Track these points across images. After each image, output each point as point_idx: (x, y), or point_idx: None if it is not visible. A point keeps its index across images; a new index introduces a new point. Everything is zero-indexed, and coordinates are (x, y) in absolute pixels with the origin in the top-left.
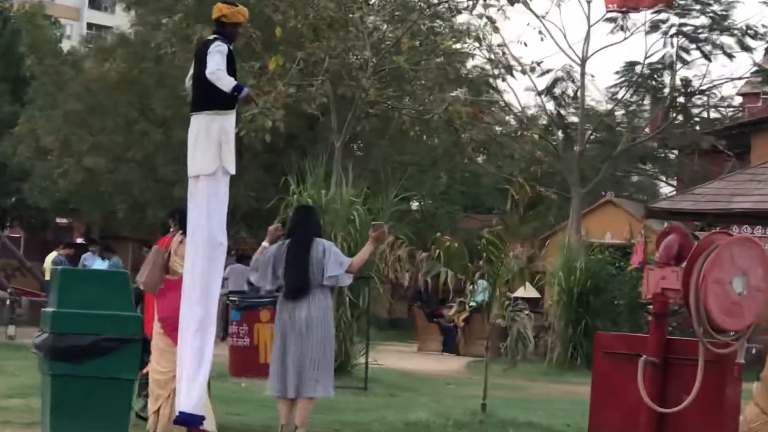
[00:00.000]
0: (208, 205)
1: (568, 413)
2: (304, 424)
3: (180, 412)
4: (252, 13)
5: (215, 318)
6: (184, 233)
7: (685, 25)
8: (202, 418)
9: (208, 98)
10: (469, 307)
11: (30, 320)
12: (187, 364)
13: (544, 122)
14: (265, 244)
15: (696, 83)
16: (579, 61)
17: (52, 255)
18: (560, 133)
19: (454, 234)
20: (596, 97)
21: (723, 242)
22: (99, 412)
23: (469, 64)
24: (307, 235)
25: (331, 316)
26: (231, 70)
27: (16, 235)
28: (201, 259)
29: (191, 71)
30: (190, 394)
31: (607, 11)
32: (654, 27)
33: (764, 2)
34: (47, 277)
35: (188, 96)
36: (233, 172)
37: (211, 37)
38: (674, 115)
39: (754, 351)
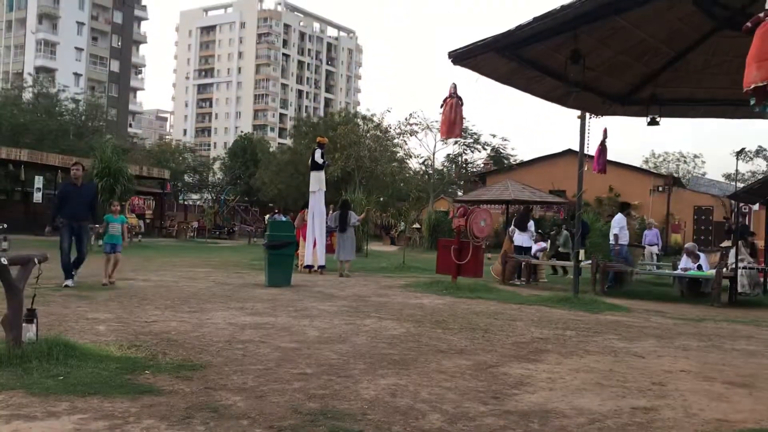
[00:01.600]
0: (319, 202)
1: (430, 264)
2: (347, 268)
3: (305, 264)
4: (330, 139)
5: (324, 236)
6: (306, 209)
7: (465, 140)
8: (312, 266)
9: (315, 167)
10: (399, 231)
11: (260, 236)
12: (309, 249)
13: (422, 172)
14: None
15: (469, 159)
16: (432, 153)
17: (267, 216)
18: (426, 176)
19: (394, 207)
20: (438, 165)
21: (477, 210)
22: (283, 265)
23: (398, 154)
24: (344, 210)
25: (353, 234)
26: (323, 157)
27: (256, 210)
28: (316, 218)
29: (310, 159)
30: (309, 258)
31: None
32: (455, 142)
33: (491, 134)
34: (265, 223)
35: (309, 166)
36: (324, 189)
37: (315, 147)
38: (464, 170)
39: (487, 243)
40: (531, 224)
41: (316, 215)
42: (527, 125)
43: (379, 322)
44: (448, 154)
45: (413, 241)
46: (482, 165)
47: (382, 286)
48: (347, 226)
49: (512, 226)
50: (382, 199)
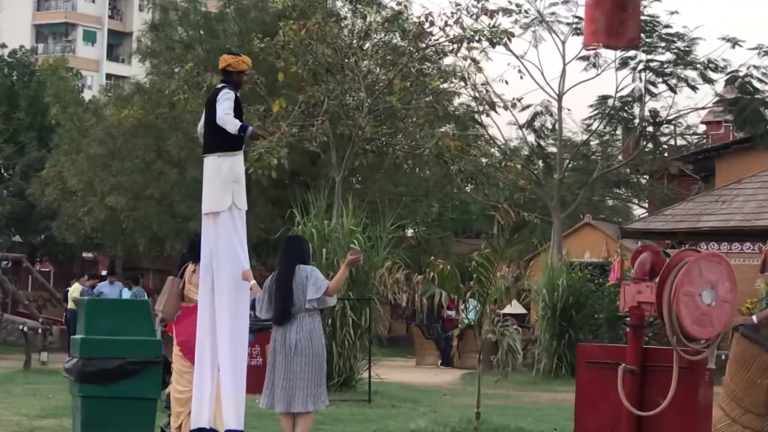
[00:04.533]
0: (229, 238)
1: (554, 419)
2: None
3: (194, 430)
4: (256, 61)
5: (245, 341)
6: (197, 263)
7: (652, 60)
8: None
9: (219, 141)
10: (462, 324)
11: (61, 347)
12: (209, 385)
13: (526, 153)
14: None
15: (663, 114)
16: (556, 97)
17: (76, 285)
18: (540, 163)
19: (446, 257)
20: (573, 128)
21: (692, 258)
22: (126, 429)
23: (456, 102)
24: (289, 265)
25: (319, 337)
26: (238, 114)
27: (45, 269)
28: (225, 286)
29: (203, 117)
30: (235, 412)
31: (586, 49)
32: (623, 63)
33: (723, 38)
34: (72, 306)
35: (200, 139)
36: (244, 208)
37: (219, 85)
38: (644, 143)
39: (723, 357)
40: None
41: (224, 278)
42: None
43: None
44: (605, 97)
45: (506, 354)
46: (703, 128)
47: None
48: (294, 309)
49: None
50: (411, 231)
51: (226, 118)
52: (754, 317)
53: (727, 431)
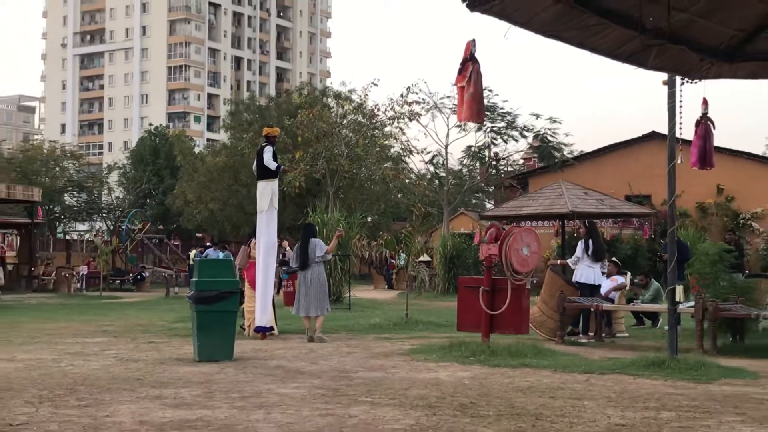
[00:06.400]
0: (268, 226)
1: (447, 316)
2: (318, 328)
3: (257, 327)
4: (285, 130)
5: (273, 280)
6: (255, 238)
7: (494, 126)
8: (271, 327)
9: (265, 174)
10: (398, 266)
11: (185, 285)
12: (263, 302)
13: (429, 176)
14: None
15: (501, 154)
16: (444, 146)
17: (193, 252)
18: (437, 182)
19: (388, 232)
20: (454, 163)
21: (517, 230)
22: (220, 329)
23: (392, 150)
24: (305, 238)
25: (323, 275)
26: (275, 159)
27: (176, 243)
28: (264, 253)
29: (255, 160)
30: (263, 317)
31: (458, 122)
32: (479, 128)
33: (532, 113)
34: (191, 262)
35: (254, 173)
36: (277, 208)
37: (264, 144)
38: (492, 170)
39: (534, 281)
40: (591, 246)
41: (264, 247)
42: (587, 99)
43: (373, 411)
44: (470, 147)
45: (420, 282)
46: (522, 161)
47: (374, 353)
48: (309, 261)
49: (575, 255)
50: (370, 218)
51: (270, 162)
52: (558, 261)
53: (540, 319)
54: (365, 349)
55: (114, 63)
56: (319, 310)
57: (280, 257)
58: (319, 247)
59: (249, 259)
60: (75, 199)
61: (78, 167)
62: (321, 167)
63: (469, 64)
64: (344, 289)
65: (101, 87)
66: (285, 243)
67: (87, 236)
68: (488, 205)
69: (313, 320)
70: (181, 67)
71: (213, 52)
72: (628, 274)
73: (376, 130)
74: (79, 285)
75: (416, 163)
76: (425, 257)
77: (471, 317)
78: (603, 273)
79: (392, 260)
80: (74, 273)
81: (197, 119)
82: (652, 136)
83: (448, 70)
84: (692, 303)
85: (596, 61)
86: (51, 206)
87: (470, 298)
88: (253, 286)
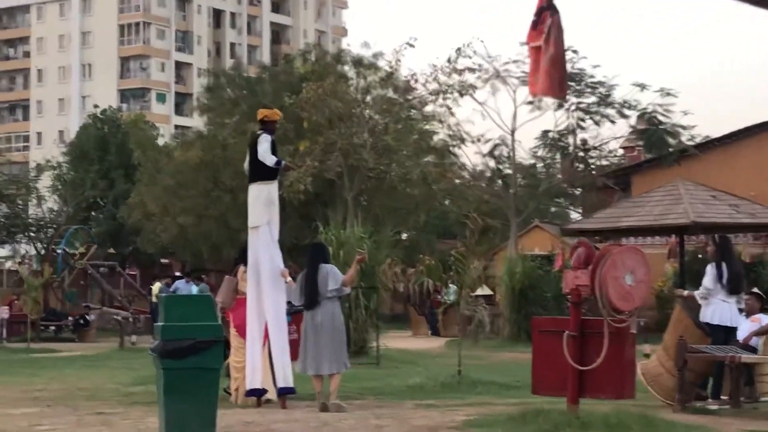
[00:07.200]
0: (267, 245)
1: (517, 373)
2: (334, 392)
3: (280, 388)
4: (286, 113)
5: (285, 321)
6: (245, 265)
7: (581, 102)
8: (265, 390)
9: (259, 173)
10: (445, 303)
11: (146, 331)
12: (259, 357)
13: (488, 175)
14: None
15: (591, 142)
16: (510, 132)
17: (156, 285)
18: (499, 181)
19: (431, 255)
20: (523, 155)
21: (616, 250)
22: (197, 392)
23: (435, 138)
24: (314, 264)
25: (339, 317)
26: (274, 152)
27: (133, 272)
28: (267, 282)
29: (247, 156)
30: (283, 374)
31: (530, 97)
32: (559, 105)
33: (634, 84)
34: (154, 299)
35: (246, 172)
36: (277, 221)
37: (258, 131)
38: (577, 164)
39: (642, 323)
40: (725, 273)
41: (265, 276)
42: (716, 65)
43: None
44: (546, 132)
45: (478, 326)
46: (621, 152)
47: (414, 427)
48: (319, 297)
49: (703, 286)
50: (405, 235)
51: (266, 155)
52: (685, 293)
53: (655, 372)
54: (402, 422)
55: (43, 20)
56: (335, 365)
57: None
58: (332, 277)
59: (236, 294)
60: None
61: None
62: (335, 163)
63: (547, 14)
64: (370, 335)
65: (26, 54)
66: (284, 271)
67: (8, 264)
68: (574, 215)
69: (327, 380)
70: (137, 24)
71: (182, 2)
72: None
73: (413, 110)
74: None
75: (470, 156)
76: (485, 290)
77: (552, 375)
78: (741, 310)
79: (437, 295)
80: None
81: (161, 98)
82: None
83: (514, 24)
84: None
85: (730, 11)
86: None
87: (550, 347)
88: (242, 332)
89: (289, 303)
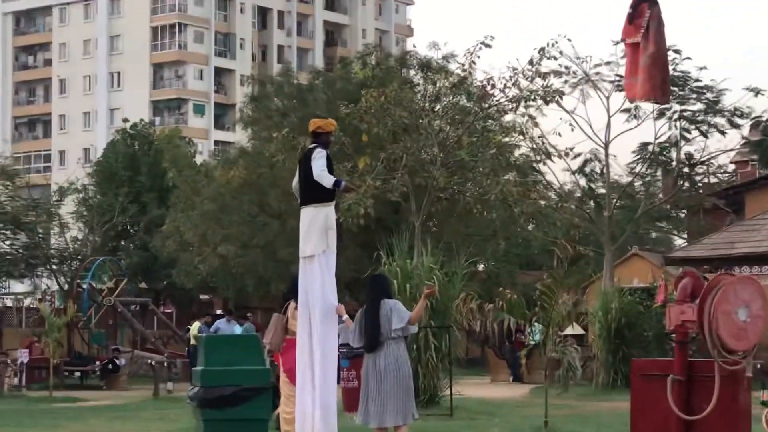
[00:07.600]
0: (322, 277)
1: (613, 425)
2: None
3: None
4: (342, 125)
5: (335, 362)
6: (296, 301)
7: (686, 110)
8: None
9: (314, 194)
10: (529, 344)
11: (184, 377)
12: (311, 406)
13: (579, 195)
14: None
15: (697, 156)
16: (603, 145)
17: (195, 324)
18: (592, 203)
19: (513, 288)
20: (618, 172)
21: (728, 281)
22: None
23: (516, 153)
24: (375, 300)
25: (404, 361)
26: (330, 171)
27: (168, 310)
28: (317, 318)
29: (297, 174)
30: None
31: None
32: (660, 114)
33: (747, 89)
34: (192, 341)
35: (296, 194)
36: (335, 249)
37: (312, 146)
38: (681, 182)
39: (758, 366)
40: None
41: (318, 313)
42: None
43: None
44: (645, 144)
45: (568, 370)
46: (732, 167)
47: None
48: (382, 337)
49: None
50: (482, 266)
51: (322, 175)
52: None
53: None
54: None
55: (66, 23)
56: (401, 416)
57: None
58: (396, 314)
59: (286, 334)
60: (8, 242)
61: (12, 191)
62: (400, 182)
63: (645, 6)
64: (442, 382)
65: (47, 63)
66: (340, 308)
67: (28, 302)
68: (678, 241)
69: None
70: (172, 27)
71: (223, 1)
72: None
73: (490, 121)
74: (16, 380)
75: (557, 174)
76: (575, 329)
77: (654, 426)
78: None
79: (520, 334)
80: (8, 361)
81: (199, 110)
82: None
83: (607, 20)
84: None
85: None
86: None
87: (652, 394)
88: (293, 378)
89: (347, 345)
